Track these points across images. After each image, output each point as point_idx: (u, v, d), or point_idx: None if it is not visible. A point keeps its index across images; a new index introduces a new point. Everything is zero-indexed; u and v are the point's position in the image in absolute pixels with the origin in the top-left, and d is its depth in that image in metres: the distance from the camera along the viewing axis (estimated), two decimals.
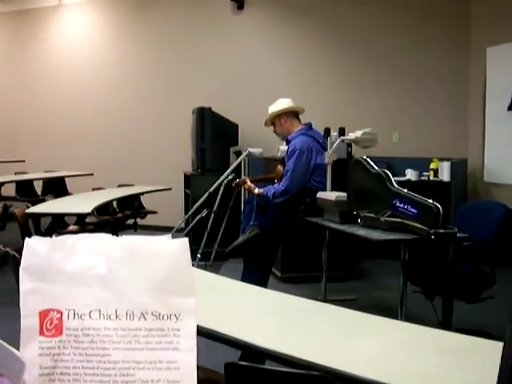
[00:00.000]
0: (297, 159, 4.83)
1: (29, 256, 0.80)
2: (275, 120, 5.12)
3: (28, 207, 5.29)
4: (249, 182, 5.25)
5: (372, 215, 4.00)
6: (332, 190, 4.68)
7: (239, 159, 5.93)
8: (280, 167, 5.27)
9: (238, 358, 2.27)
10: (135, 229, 7.46)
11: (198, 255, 5.76)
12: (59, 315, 0.78)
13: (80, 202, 5.86)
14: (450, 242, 4.01)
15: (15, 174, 8.27)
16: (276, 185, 4.98)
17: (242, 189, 6.28)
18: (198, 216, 6.00)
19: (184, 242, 0.81)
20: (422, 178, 7.19)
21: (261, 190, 5.02)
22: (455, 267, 4.20)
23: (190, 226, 6.13)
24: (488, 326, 3.89)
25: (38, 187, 8.05)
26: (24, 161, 8.77)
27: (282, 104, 5.13)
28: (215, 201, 5.85)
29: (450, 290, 4.02)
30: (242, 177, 5.82)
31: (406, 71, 7.97)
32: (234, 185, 5.50)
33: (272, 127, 5.21)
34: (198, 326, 0.79)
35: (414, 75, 7.95)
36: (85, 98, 9.35)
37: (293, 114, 5.12)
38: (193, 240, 6.12)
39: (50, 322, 0.78)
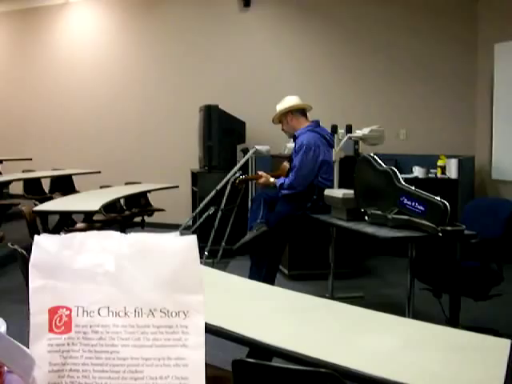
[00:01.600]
0: (304, 155, 4.83)
1: (38, 253, 0.81)
2: (282, 118, 5.13)
3: (36, 205, 5.30)
4: (263, 173, 5.27)
5: (379, 212, 4.00)
6: (339, 187, 4.68)
7: (246, 157, 5.94)
8: (286, 164, 5.28)
9: (245, 356, 2.27)
10: (142, 226, 7.48)
11: (206, 253, 5.77)
12: (68, 312, 0.79)
13: (87, 200, 5.88)
14: (458, 240, 4.00)
15: (23, 171, 8.29)
16: (286, 178, 4.99)
17: (250, 185, 6.30)
18: (206, 213, 6.01)
19: (192, 240, 0.82)
20: (430, 175, 7.17)
21: (275, 180, 5.07)
22: (463, 264, 4.20)
23: (198, 223, 6.15)
24: (496, 324, 3.89)
25: (46, 185, 8.08)
26: (31, 159, 8.79)
27: (288, 102, 5.13)
28: (222, 198, 5.85)
29: (458, 287, 4.01)
30: (252, 174, 5.82)
31: (413, 68, 7.95)
32: (237, 182, 5.48)
33: (280, 125, 5.22)
34: (205, 324, 0.80)
35: (421, 72, 7.93)
36: (91, 95, 9.36)
37: (299, 111, 5.12)
38: (200, 237, 6.04)
39: (59, 319, 0.79)
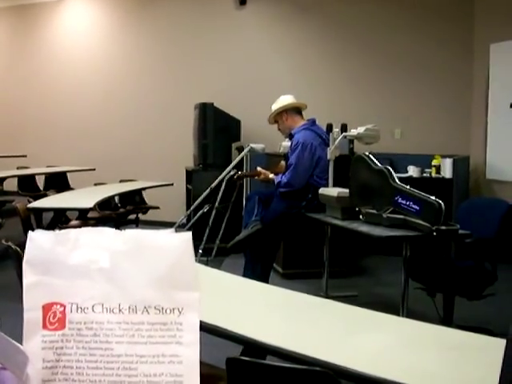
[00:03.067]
0: (300, 153, 4.83)
1: (32, 249, 0.80)
2: (277, 118, 5.13)
3: (30, 202, 5.29)
4: (261, 170, 5.28)
5: (374, 211, 4.00)
6: (334, 186, 4.68)
7: (241, 155, 5.93)
8: (283, 162, 5.28)
9: (239, 354, 2.27)
10: (137, 224, 7.47)
11: (200, 251, 5.76)
12: (62, 309, 0.78)
13: (82, 197, 5.87)
14: (452, 239, 4.01)
15: (17, 168, 8.27)
16: (283, 175, 5.00)
17: (245, 183, 6.30)
18: (200, 211, 6.00)
19: (187, 236, 0.81)
20: (424, 174, 7.19)
21: (274, 176, 5.07)
22: (457, 264, 4.21)
23: (192, 221, 6.14)
24: (490, 323, 3.89)
25: (40, 182, 8.06)
26: (26, 156, 8.76)
27: (283, 101, 5.13)
28: (217, 196, 5.85)
29: (452, 286, 4.02)
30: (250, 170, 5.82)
31: (408, 68, 7.95)
32: (236, 177, 5.50)
33: (276, 125, 5.22)
34: (200, 321, 0.79)
35: (417, 72, 7.93)
36: (86, 93, 9.34)
37: (294, 110, 5.12)
38: (194, 235, 6.05)
39: (53, 316, 0.78)
